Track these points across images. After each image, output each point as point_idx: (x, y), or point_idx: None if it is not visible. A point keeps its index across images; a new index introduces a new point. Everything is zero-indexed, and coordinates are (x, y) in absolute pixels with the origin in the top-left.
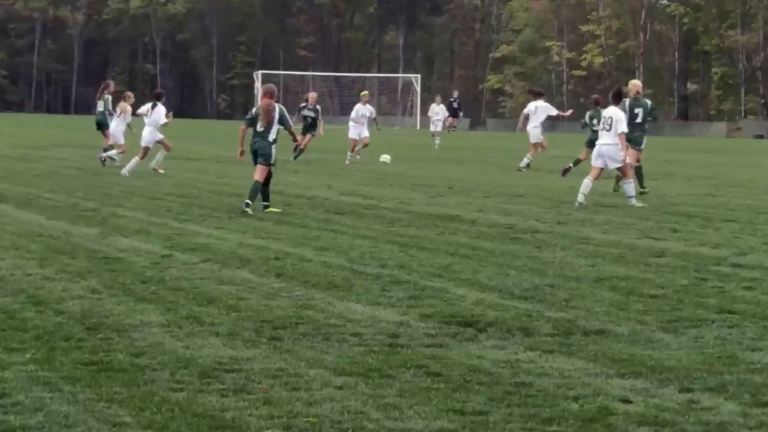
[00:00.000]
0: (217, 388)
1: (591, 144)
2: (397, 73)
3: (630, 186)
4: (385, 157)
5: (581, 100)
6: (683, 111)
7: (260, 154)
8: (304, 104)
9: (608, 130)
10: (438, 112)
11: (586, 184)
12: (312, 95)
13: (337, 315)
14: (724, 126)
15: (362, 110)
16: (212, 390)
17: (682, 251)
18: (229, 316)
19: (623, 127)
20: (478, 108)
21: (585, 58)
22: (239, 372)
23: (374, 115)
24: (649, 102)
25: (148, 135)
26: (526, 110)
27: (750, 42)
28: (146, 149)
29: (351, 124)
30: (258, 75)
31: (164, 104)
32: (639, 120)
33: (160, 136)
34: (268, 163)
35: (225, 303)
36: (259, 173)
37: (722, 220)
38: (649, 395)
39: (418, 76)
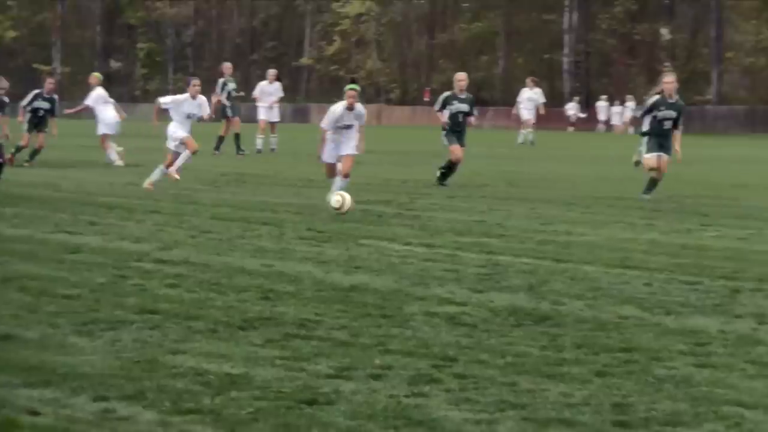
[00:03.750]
0: None
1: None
2: None
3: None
4: None
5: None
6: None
7: None
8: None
9: None
10: None
11: None
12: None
13: None
14: (152, 108)
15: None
16: None
17: (100, 246)
18: None
19: None
20: None
21: None
22: None
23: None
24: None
25: None
26: None
27: (180, 15)
28: None
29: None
30: None
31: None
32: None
33: None
34: None
35: None
36: None
37: (146, 211)
38: (59, 405)
39: None
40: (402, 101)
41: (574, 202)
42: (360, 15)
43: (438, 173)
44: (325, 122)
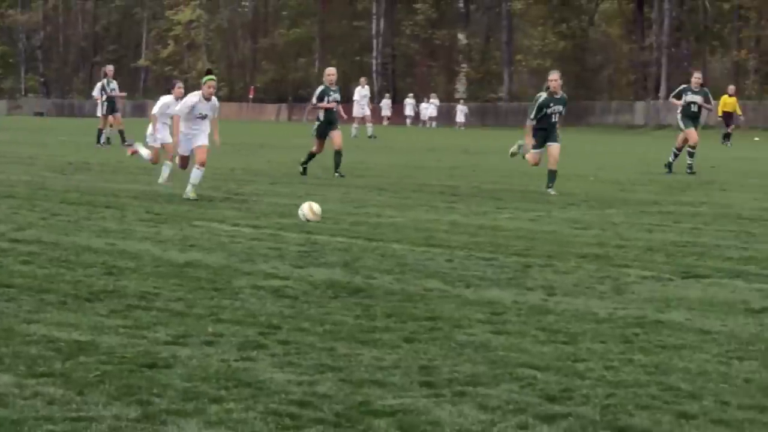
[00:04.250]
0: None
1: None
2: None
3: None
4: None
5: None
6: None
7: None
8: None
9: None
10: None
11: None
12: None
13: None
14: (5, 104)
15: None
16: None
17: None
18: None
19: None
20: None
21: None
22: None
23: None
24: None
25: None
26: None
27: (31, 21)
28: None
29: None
30: None
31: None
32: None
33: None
34: None
35: None
36: None
37: (1, 196)
38: None
39: None
40: (229, 98)
41: (384, 187)
42: (191, 21)
43: (301, 168)
44: (179, 108)
